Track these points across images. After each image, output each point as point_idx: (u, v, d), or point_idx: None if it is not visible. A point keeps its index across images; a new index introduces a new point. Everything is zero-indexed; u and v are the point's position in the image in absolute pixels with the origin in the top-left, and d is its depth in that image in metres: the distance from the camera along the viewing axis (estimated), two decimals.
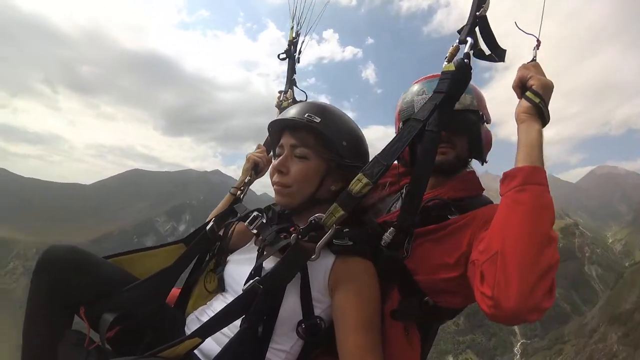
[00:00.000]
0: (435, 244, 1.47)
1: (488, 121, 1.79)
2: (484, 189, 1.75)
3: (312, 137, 1.47)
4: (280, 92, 2.55)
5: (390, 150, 1.37)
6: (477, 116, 1.72)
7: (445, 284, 1.44)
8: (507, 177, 1.17)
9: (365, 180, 1.30)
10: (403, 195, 1.74)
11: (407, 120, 1.64)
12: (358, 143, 1.55)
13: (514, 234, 1.06)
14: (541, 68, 1.38)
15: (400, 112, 1.83)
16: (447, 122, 1.43)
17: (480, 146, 1.74)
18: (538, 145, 1.22)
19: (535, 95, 1.29)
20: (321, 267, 1.34)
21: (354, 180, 1.32)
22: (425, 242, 1.47)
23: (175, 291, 1.69)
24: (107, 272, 1.46)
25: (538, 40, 1.45)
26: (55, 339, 1.33)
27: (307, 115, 1.45)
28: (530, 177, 1.13)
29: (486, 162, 1.81)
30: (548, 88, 1.31)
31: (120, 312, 1.33)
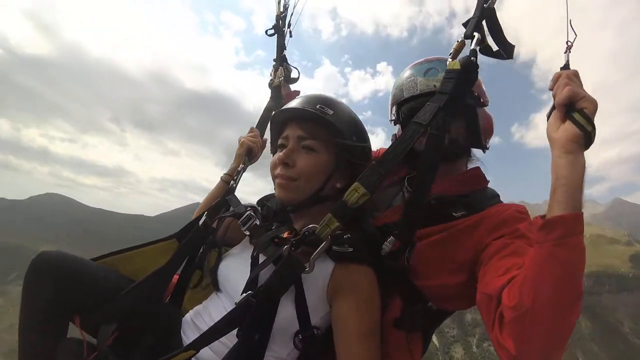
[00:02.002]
0: (439, 248, 1.39)
1: (485, 103, 1.68)
2: (488, 182, 1.66)
3: (322, 129, 1.42)
4: (274, 66, 2.37)
5: (388, 157, 1.29)
6: (472, 96, 1.60)
7: (448, 290, 1.38)
8: (546, 226, 1.02)
9: (362, 190, 1.22)
10: (405, 197, 1.68)
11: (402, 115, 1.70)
12: (366, 141, 1.50)
13: (547, 295, 0.98)
14: (580, 79, 1.16)
15: (393, 97, 1.77)
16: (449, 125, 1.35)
17: (477, 130, 1.61)
18: (582, 184, 1.04)
19: (588, 123, 1.07)
20: (319, 275, 1.29)
21: (349, 190, 1.24)
22: (428, 244, 1.39)
23: (174, 278, 1.64)
24: (100, 276, 1.45)
25: (568, 42, 1.24)
26: (50, 348, 1.33)
27: (320, 107, 1.40)
28: (572, 228, 1.00)
29: (487, 149, 1.68)
30: (596, 110, 1.10)
31: (117, 319, 1.34)
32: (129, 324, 1.36)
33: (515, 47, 1.37)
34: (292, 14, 2.41)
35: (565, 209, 1.01)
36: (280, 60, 2.35)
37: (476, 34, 1.32)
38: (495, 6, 1.32)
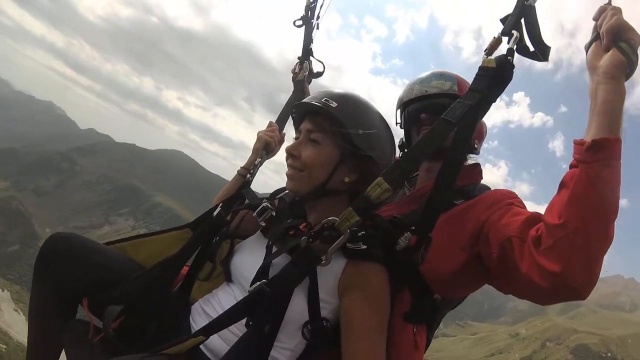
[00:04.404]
0: (439, 233, 1.36)
1: None
2: (482, 178, 1.73)
3: (328, 122, 1.40)
4: (299, 58, 2.28)
5: (414, 154, 1.28)
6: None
7: (450, 275, 1.41)
8: (594, 146, 1.05)
9: (385, 185, 1.19)
10: (405, 193, 1.76)
11: (402, 118, 1.84)
12: (378, 134, 1.44)
13: (595, 213, 1.03)
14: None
15: (400, 99, 1.84)
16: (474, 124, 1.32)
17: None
18: (622, 111, 1.09)
19: (633, 52, 1.12)
20: (332, 270, 1.29)
21: (372, 185, 1.21)
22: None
23: (184, 268, 1.65)
24: (108, 260, 1.48)
25: None
26: (59, 329, 1.37)
27: (325, 100, 1.40)
28: (617, 152, 1.05)
29: (476, 152, 1.76)
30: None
31: (124, 303, 1.35)
32: (135, 309, 1.37)
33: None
34: (321, 5, 2.31)
35: (609, 132, 1.05)
36: (306, 54, 2.27)
37: (515, 32, 1.28)
38: (535, 4, 1.27)
